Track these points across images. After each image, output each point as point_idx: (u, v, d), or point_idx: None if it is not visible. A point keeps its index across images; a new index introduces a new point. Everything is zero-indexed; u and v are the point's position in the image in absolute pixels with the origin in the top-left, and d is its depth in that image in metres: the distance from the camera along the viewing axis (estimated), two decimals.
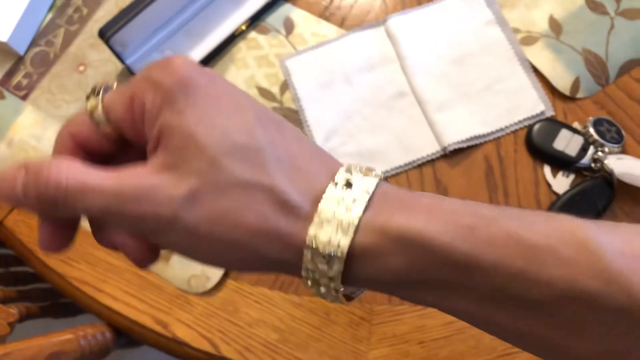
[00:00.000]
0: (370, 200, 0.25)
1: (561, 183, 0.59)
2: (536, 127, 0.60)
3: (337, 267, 0.25)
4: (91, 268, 0.59)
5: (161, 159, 0.25)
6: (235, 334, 0.56)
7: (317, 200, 0.25)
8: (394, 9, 0.68)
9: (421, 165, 0.61)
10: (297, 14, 0.68)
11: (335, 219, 0.24)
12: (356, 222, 0.24)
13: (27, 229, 0.61)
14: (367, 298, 0.56)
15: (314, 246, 0.24)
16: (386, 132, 0.62)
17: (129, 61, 0.64)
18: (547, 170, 0.60)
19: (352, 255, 0.24)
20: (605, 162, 0.57)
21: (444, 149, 0.61)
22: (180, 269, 0.58)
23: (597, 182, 0.58)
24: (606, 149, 0.58)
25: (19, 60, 0.67)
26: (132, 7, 0.61)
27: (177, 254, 0.27)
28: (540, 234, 0.23)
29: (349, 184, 0.25)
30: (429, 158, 0.61)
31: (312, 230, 0.25)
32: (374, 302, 0.56)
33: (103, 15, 0.68)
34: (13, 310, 0.59)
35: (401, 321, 0.55)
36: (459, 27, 0.66)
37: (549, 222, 0.24)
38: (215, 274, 0.58)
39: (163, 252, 0.58)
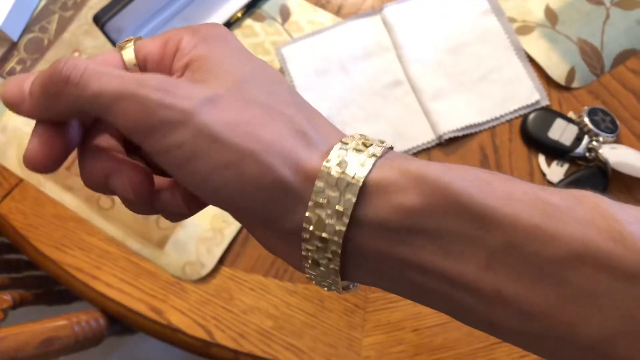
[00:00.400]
0: (383, 155, 0.25)
1: (555, 172, 0.59)
2: (531, 116, 0.60)
3: (349, 197, 0.23)
4: (85, 255, 0.59)
5: (187, 76, 0.26)
6: (230, 321, 0.56)
7: (331, 147, 0.25)
8: None
9: (416, 154, 0.61)
10: (293, 2, 0.68)
11: (353, 158, 0.24)
12: (373, 159, 0.24)
13: (20, 215, 0.60)
14: (361, 286, 0.56)
15: (330, 171, 0.24)
16: (382, 120, 0.62)
17: None
18: (541, 159, 0.60)
19: (366, 188, 0.24)
20: (600, 151, 0.57)
21: (439, 137, 0.61)
22: (175, 256, 0.58)
23: (591, 171, 0.58)
24: (600, 139, 0.58)
25: (13, 46, 0.67)
26: None
27: (175, 169, 0.24)
28: (555, 194, 0.23)
29: (363, 144, 0.25)
30: (424, 147, 0.61)
31: (328, 163, 0.24)
32: (369, 290, 0.56)
33: (98, 1, 0.68)
34: (6, 297, 0.59)
35: (396, 309, 0.56)
36: (455, 16, 0.66)
37: (562, 189, 0.23)
38: (210, 260, 0.58)
39: (157, 239, 0.58)
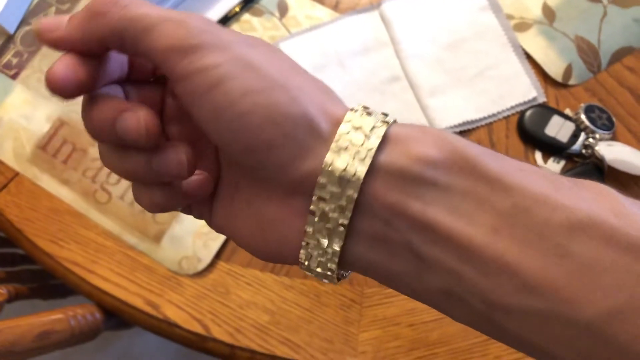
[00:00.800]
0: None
1: (552, 169, 0.59)
2: (528, 113, 0.61)
3: (374, 140, 0.24)
4: (81, 249, 0.59)
5: None
6: (226, 316, 0.56)
7: (340, 121, 0.25)
8: None
9: None
10: None
11: (371, 118, 0.25)
12: (391, 119, 0.25)
13: (16, 209, 0.60)
14: (358, 281, 0.56)
15: (355, 116, 0.24)
16: None
17: None
18: (538, 156, 0.60)
19: (388, 136, 0.24)
20: (596, 148, 0.58)
21: None
22: (171, 251, 0.58)
23: (587, 168, 0.58)
24: (597, 136, 0.59)
25: (9, 39, 0.67)
26: None
27: (205, 90, 0.24)
28: (563, 177, 0.23)
29: (368, 113, 0.25)
30: None
31: (352, 112, 0.25)
32: (365, 285, 0.56)
33: None
34: (2, 291, 0.59)
35: (392, 304, 0.56)
36: (453, 12, 0.66)
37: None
38: (206, 255, 0.58)
39: (154, 233, 0.58)
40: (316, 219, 0.25)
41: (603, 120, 0.59)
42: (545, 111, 0.60)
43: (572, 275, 0.21)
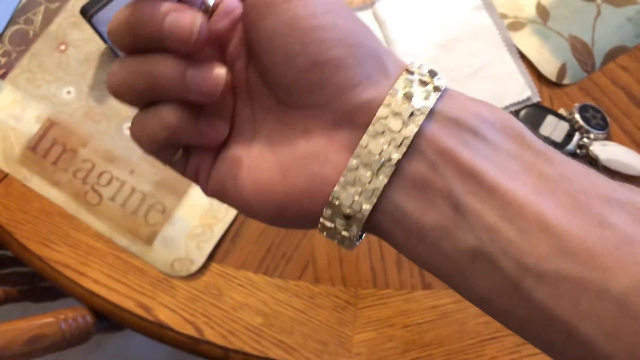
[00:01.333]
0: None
1: None
2: (522, 112, 0.60)
3: (437, 84, 0.25)
4: (72, 251, 0.58)
5: None
6: (220, 318, 0.55)
7: (405, 67, 0.26)
8: None
9: None
10: None
11: (429, 74, 0.25)
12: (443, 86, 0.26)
13: (6, 211, 0.59)
14: (352, 282, 0.56)
15: (415, 71, 0.25)
16: None
17: None
18: None
19: (447, 92, 0.25)
20: (591, 148, 0.57)
21: None
22: (163, 252, 0.57)
23: None
24: (591, 136, 0.58)
25: None
26: None
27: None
28: None
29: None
30: None
31: (411, 67, 0.26)
32: (359, 286, 0.56)
33: None
34: None
35: (386, 305, 0.55)
36: (447, 11, 0.65)
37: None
38: (199, 257, 0.57)
39: (146, 235, 0.57)
40: (365, 151, 0.24)
41: (597, 120, 0.59)
42: (539, 111, 0.60)
43: (609, 245, 0.21)
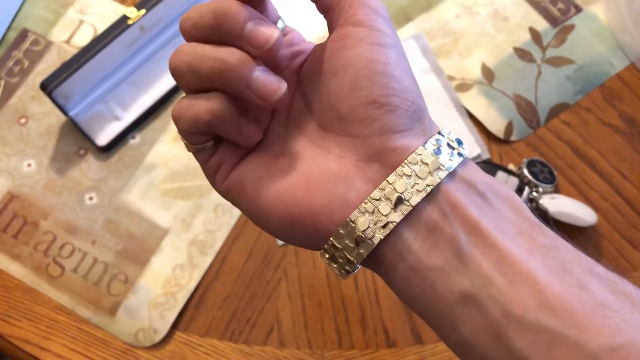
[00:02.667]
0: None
1: None
2: None
3: (462, 150, 0.29)
4: (33, 326, 0.57)
5: None
6: None
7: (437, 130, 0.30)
8: None
9: None
10: None
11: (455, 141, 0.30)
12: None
13: None
14: (318, 344, 0.56)
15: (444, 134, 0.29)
16: None
17: (72, 113, 0.64)
18: None
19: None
20: (540, 202, 0.60)
21: None
22: (127, 323, 0.57)
23: None
24: (540, 189, 0.61)
25: None
26: (75, 59, 0.61)
27: (365, 38, 0.29)
28: None
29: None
30: None
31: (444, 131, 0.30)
32: (325, 348, 0.56)
33: (45, 67, 0.68)
34: None
35: None
36: None
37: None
38: (163, 326, 0.57)
39: (108, 305, 0.56)
40: (390, 187, 0.27)
41: (545, 174, 0.62)
42: (489, 167, 0.63)
43: (587, 307, 0.24)
